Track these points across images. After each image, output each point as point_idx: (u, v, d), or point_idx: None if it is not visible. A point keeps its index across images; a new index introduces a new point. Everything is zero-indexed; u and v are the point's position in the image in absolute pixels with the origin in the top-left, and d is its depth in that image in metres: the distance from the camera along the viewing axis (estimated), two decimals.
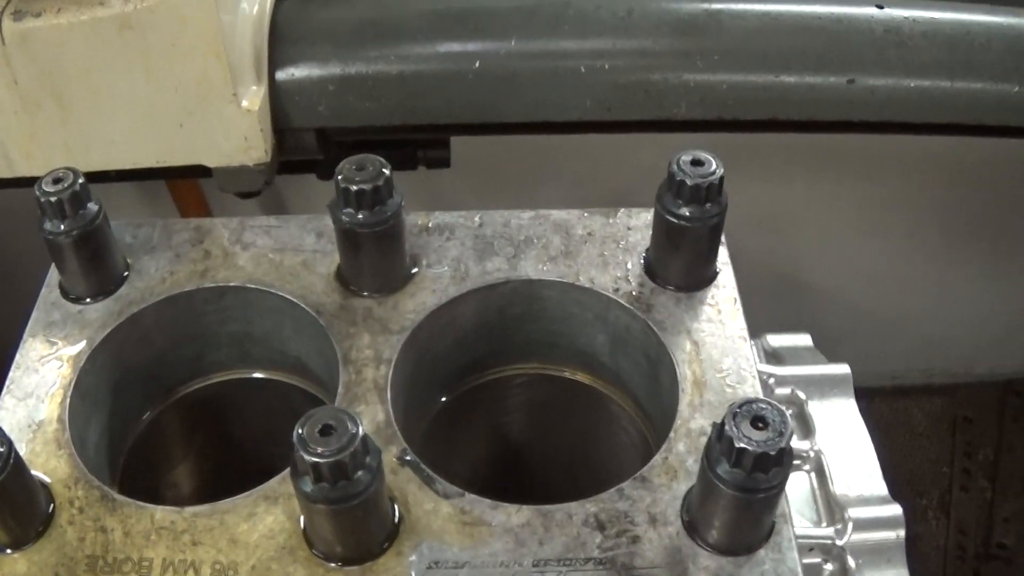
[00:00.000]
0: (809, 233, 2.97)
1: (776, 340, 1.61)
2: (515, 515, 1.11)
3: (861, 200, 2.88)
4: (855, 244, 3.00)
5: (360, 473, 1.00)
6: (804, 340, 1.63)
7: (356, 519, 1.03)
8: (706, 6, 1.74)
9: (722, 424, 1.00)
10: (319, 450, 0.98)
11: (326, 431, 0.99)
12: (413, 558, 1.08)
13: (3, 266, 2.78)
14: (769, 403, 1.00)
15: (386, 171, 1.22)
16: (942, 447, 3.24)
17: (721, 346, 1.26)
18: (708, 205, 1.23)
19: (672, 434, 1.17)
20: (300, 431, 0.99)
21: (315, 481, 0.99)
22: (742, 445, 0.98)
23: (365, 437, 1.00)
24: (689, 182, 1.21)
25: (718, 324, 1.28)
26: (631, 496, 1.12)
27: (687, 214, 1.23)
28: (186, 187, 2.53)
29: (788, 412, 1.01)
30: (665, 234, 1.27)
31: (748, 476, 0.99)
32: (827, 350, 1.67)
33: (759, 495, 1.01)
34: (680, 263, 1.29)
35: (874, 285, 3.11)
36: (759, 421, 0.99)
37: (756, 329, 1.47)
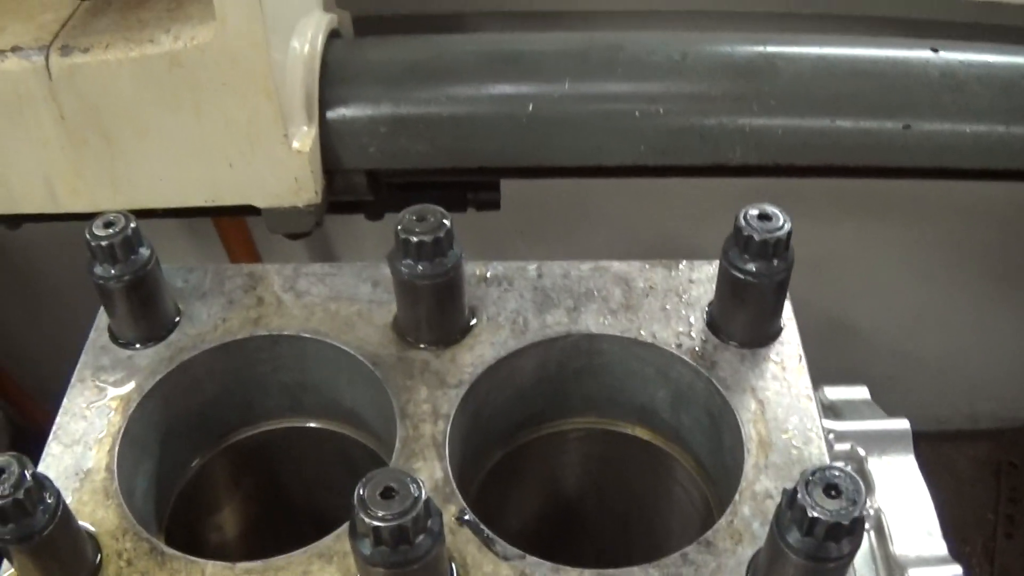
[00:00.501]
0: (854, 275, 2.94)
1: (833, 393, 1.58)
2: None
3: (906, 243, 2.86)
4: (899, 287, 2.97)
5: (421, 537, 0.97)
6: (862, 393, 1.59)
7: None
8: (761, 49, 1.72)
9: (794, 491, 0.96)
10: (380, 513, 0.94)
11: (387, 494, 0.95)
12: None
13: (46, 297, 2.79)
14: (843, 470, 0.97)
15: (446, 222, 1.20)
16: (987, 493, 3.20)
17: (786, 405, 1.22)
18: (775, 261, 1.20)
19: (737, 496, 1.14)
20: (361, 492, 0.96)
21: (375, 544, 0.96)
22: (815, 514, 0.94)
23: (428, 500, 0.97)
24: (757, 237, 1.17)
25: (783, 382, 1.25)
26: (695, 561, 1.09)
27: (754, 270, 1.20)
28: (233, 225, 2.53)
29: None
30: (730, 289, 1.23)
31: (820, 545, 0.96)
32: (872, 395, 1.64)
33: (830, 564, 0.97)
34: (745, 319, 1.26)
35: (919, 329, 3.08)
36: (832, 489, 0.95)
37: None
